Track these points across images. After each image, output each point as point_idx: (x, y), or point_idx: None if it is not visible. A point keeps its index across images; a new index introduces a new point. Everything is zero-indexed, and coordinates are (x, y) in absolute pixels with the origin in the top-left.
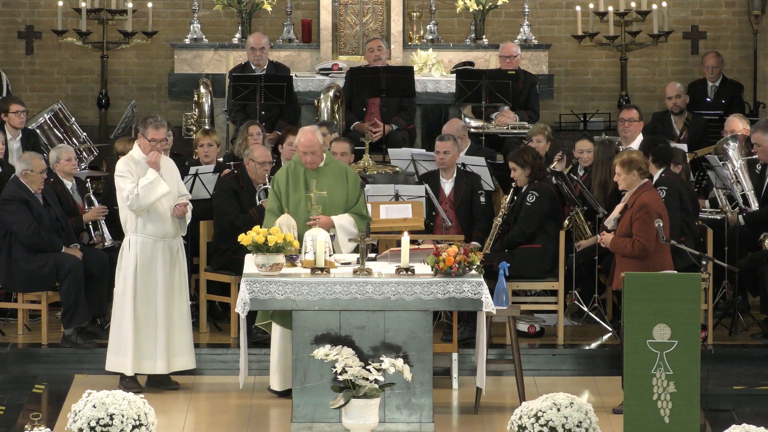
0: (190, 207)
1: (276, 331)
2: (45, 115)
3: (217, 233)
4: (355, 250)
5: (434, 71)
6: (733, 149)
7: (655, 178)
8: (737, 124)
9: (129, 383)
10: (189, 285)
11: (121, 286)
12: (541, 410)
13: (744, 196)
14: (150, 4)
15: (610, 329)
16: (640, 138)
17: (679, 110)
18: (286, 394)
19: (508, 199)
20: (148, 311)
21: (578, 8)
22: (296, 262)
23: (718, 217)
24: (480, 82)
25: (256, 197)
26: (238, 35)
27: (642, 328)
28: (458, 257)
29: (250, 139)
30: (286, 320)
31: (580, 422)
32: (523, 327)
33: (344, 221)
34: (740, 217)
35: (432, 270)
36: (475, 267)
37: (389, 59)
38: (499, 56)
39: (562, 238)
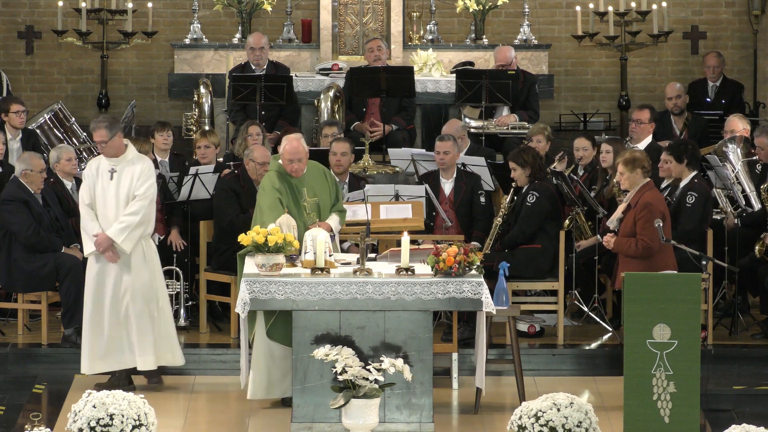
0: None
1: (258, 335)
2: (45, 115)
3: (217, 233)
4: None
5: (434, 71)
6: (732, 151)
7: (685, 181)
8: (737, 124)
9: (113, 382)
10: (189, 285)
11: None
12: (541, 410)
13: (746, 197)
14: (150, 4)
15: (610, 329)
16: (648, 140)
17: (680, 110)
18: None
19: (508, 199)
20: (95, 311)
21: (578, 8)
22: (296, 262)
23: (718, 217)
24: (480, 82)
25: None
26: (238, 35)
27: (642, 328)
28: (458, 257)
29: (249, 139)
30: (287, 336)
31: (580, 422)
32: (523, 327)
33: (335, 223)
34: (737, 220)
35: (432, 270)
36: (475, 267)
37: (389, 59)
38: (497, 65)
39: (562, 238)
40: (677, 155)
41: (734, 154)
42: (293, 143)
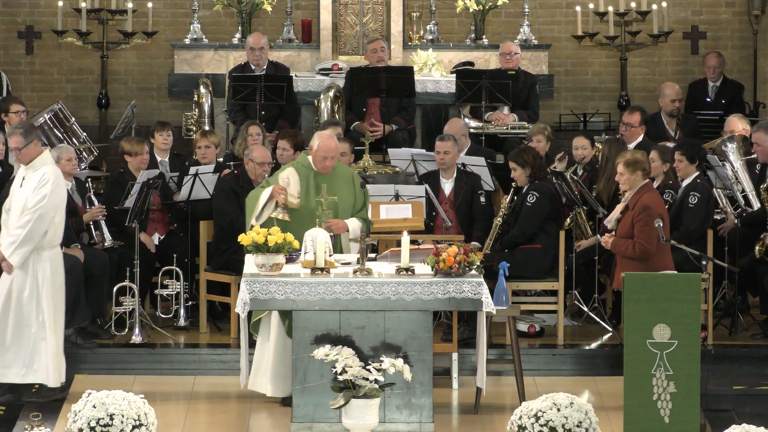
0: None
1: (273, 331)
2: (45, 115)
3: (217, 233)
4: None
5: (434, 71)
6: (732, 151)
7: (688, 181)
8: (737, 124)
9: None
10: (189, 285)
11: None
12: (541, 410)
13: (745, 197)
14: (150, 4)
15: (610, 329)
16: (638, 140)
17: (678, 112)
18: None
19: (508, 199)
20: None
21: (578, 8)
22: (295, 260)
23: (718, 217)
24: (480, 82)
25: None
26: (238, 35)
27: (642, 328)
28: (458, 257)
29: (249, 139)
30: None
31: (580, 422)
32: (523, 327)
33: (355, 225)
34: (737, 221)
35: (432, 270)
36: (475, 267)
37: (389, 59)
38: (499, 54)
39: (562, 238)
40: (690, 156)
41: (733, 153)
42: (327, 140)
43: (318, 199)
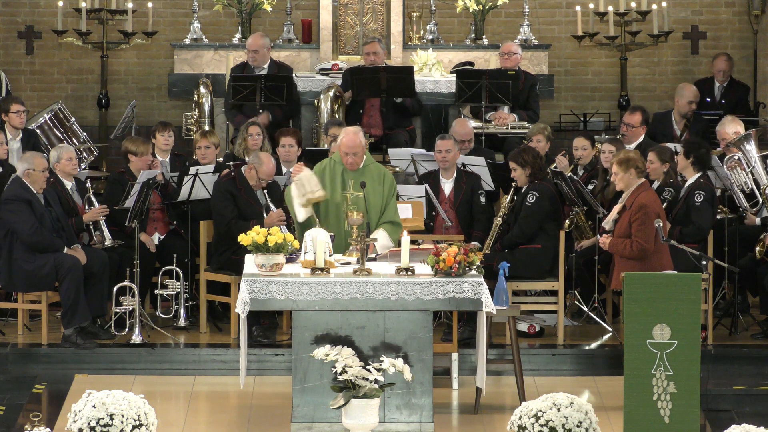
0: None
1: None
2: (45, 115)
3: (217, 233)
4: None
5: (434, 71)
6: (750, 145)
7: (691, 181)
8: (726, 130)
9: None
10: (189, 285)
11: None
12: (541, 410)
13: (762, 192)
14: (150, 4)
15: (610, 329)
16: (640, 140)
17: (691, 114)
18: None
19: (508, 199)
20: None
21: (578, 8)
22: (295, 260)
23: (719, 217)
24: (480, 82)
25: (263, 200)
26: (238, 35)
27: (642, 328)
28: (458, 257)
29: (249, 139)
30: None
31: (580, 422)
32: (523, 327)
33: (381, 236)
34: (758, 219)
35: (432, 270)
36: (475, 267)
37: (389, 59)
38: (499, 53)
39: (562, 238)
40: (685, 154)
41: (752, 146)
42: (350, 136)
43: (344, 194)
